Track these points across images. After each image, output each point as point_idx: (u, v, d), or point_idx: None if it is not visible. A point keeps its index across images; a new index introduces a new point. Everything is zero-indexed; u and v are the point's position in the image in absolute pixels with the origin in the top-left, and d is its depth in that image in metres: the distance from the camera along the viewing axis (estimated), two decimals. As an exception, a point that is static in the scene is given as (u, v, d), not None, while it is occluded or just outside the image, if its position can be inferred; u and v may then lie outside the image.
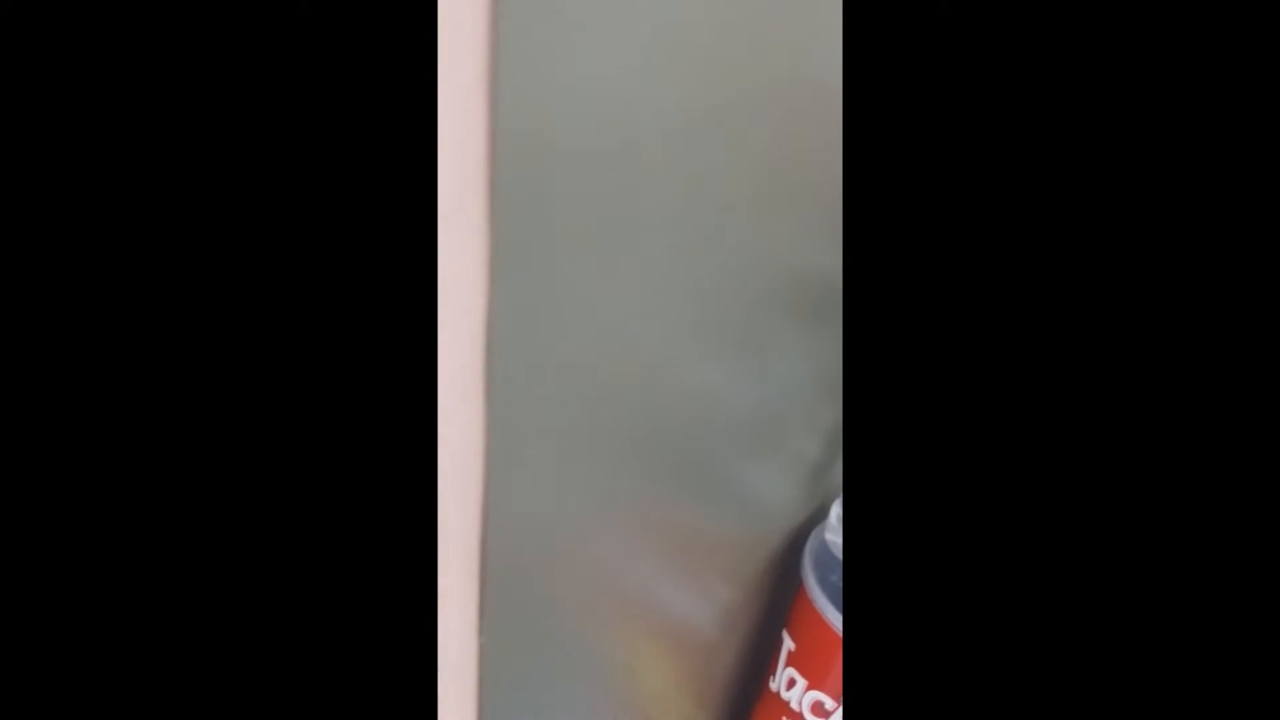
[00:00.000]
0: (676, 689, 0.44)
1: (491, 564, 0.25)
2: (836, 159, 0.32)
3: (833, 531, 0.43)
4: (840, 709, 0.43)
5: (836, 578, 0.46)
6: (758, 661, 0.50)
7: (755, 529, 0.43)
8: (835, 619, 0.41)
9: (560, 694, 0.34)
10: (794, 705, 0.45)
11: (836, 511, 0.43)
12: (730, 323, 0.31)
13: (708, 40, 0.23)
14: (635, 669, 0.40)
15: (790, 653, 0.45)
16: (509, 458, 0.23)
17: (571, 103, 0.20)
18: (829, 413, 0.42)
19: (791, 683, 0.45)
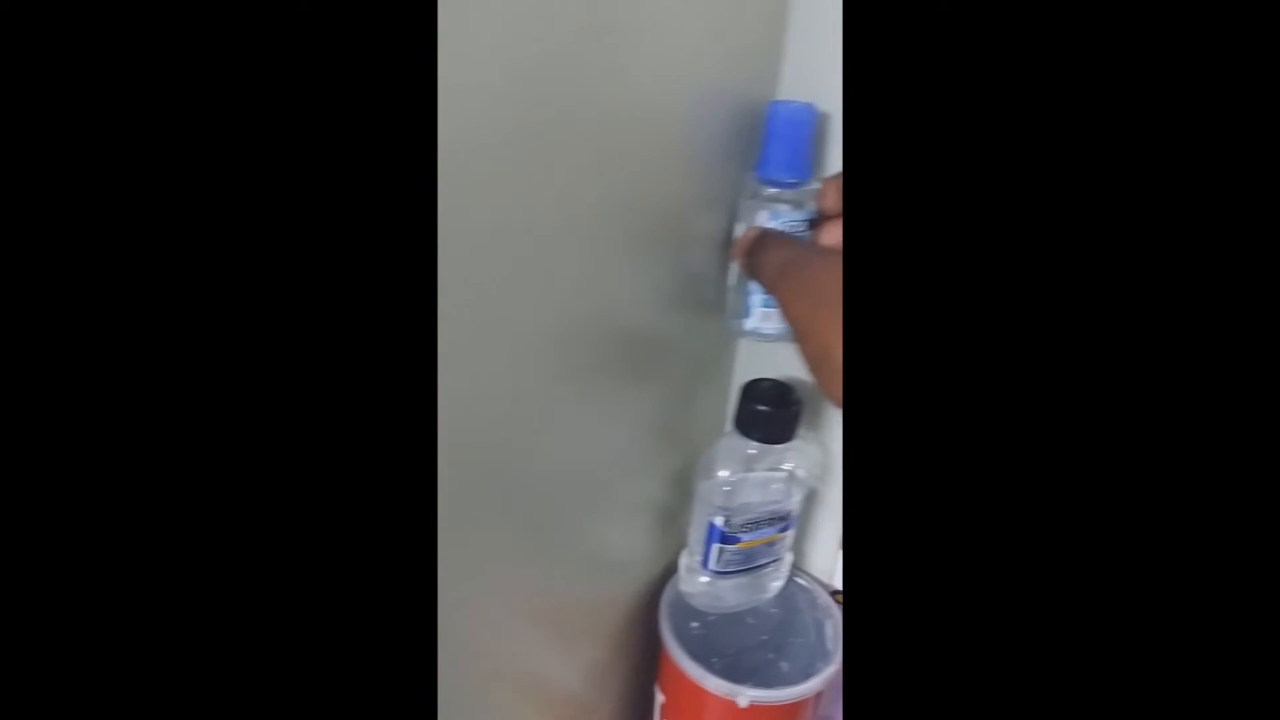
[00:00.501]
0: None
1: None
2: (663, 212, 0.34)
3: (684, 582, 0.44)
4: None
5: (695, 625, 0.47)
6: (635, 718, 0.50)
7: (613, 586, 0.44)
8: (693, 669, 0.42)
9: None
10: (670, 755, 0.45)
11: (685, 561, 0.44)
12: (568, 381, 0.32)
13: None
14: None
15: (662, 706, 0.46)
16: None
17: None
18: (668, 461, 0.43)
19: (665, 734, 0.45)
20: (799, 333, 0.28)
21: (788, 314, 0.29)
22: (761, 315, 0.36)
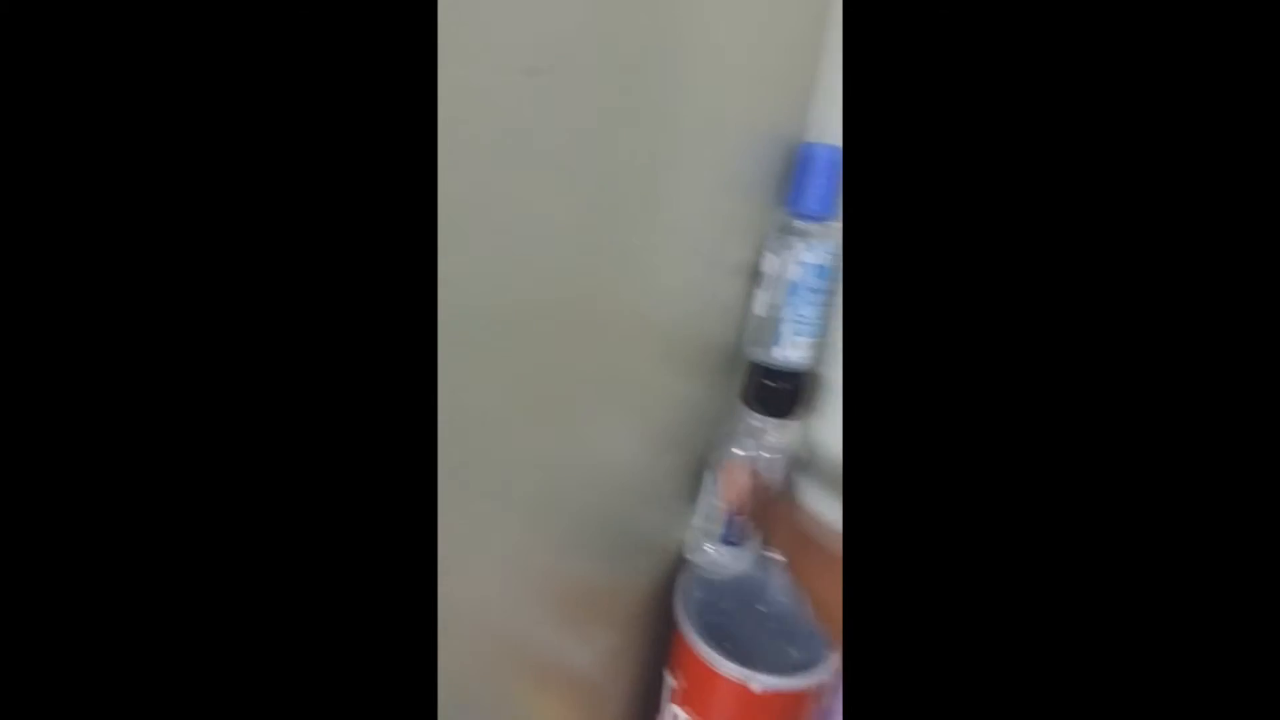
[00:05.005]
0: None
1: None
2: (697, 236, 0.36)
3: (695, 553, 0.45)
4: (723, 741, 0.44)
5: (708, 611, 0.48)
6: (646, 703, 0.51)
7: (631, 570, 0.45)
8: (708, 654, 0.43)
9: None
10: (682, 743, 0.45)
11: (696, 533, 0.45)
12: (592, 368, 0.34)
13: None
14: (528, 721, 0.40)
15: (674, 690, 0.46)
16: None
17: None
18: (685, 445, 0.44)
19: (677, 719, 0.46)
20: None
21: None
22: (791, 344, 0.39)
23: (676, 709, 0.46)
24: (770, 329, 0.39)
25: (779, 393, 0.39)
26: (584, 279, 0.30)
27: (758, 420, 0.40)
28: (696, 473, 0.45)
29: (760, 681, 0.42)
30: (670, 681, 0.47)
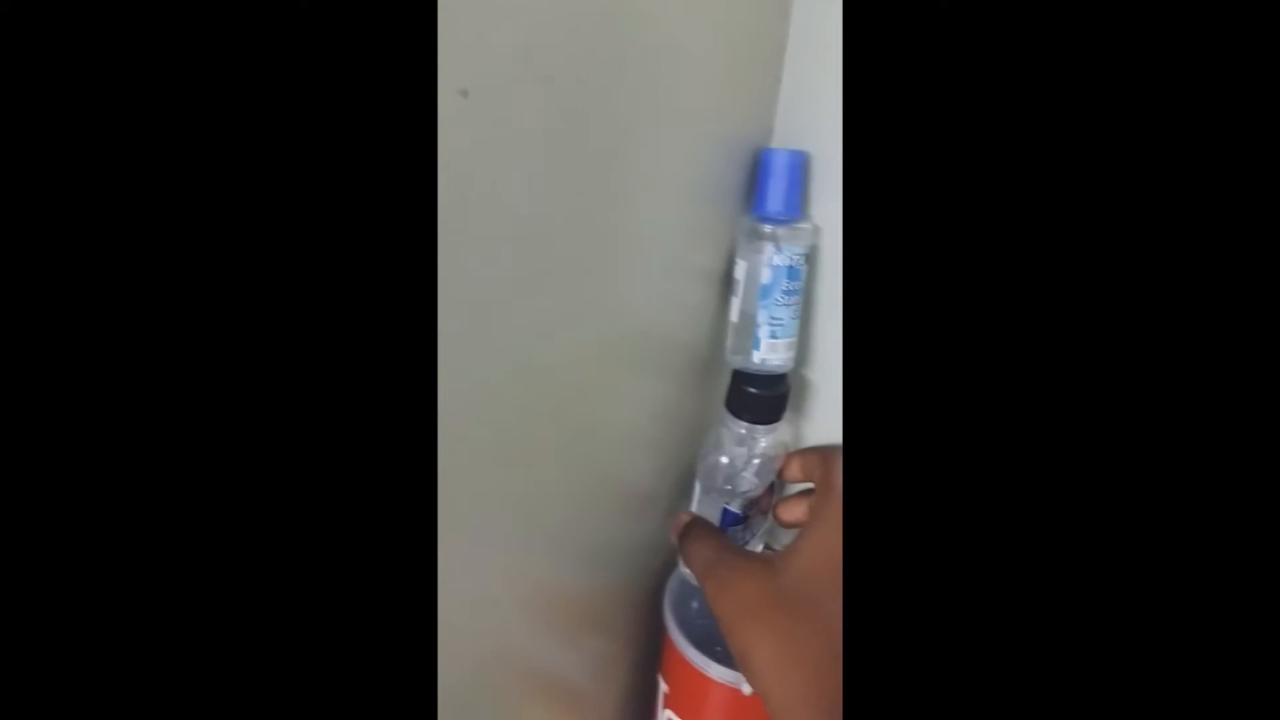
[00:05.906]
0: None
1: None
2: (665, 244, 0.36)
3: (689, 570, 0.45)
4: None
5: (698, 615, 0.48)
6: (639, 708, 0.51)
7: (617, 577, 0.45)
8: (696, 657, 0.43)
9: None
10: (675, 746, 0.46)
11: None
12: (572, 373, 0.34)
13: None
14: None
15: (665, 695, 0.46)
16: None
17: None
18: (668, 449, 0.44)
19: (669, 724, 0.46)
20: (724, 629, 0.32)
21: (713, 609, 0.33)
22: (769, 347, 0.39)
23: (669, 713, 0.46)
24: (747, 334, 0.39)
25: (762, 399, 0.39)
26: (551, 284, 0.30)
27: (744, 427, 0.40)
28: (685, 479, 0.45)
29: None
30: (662, 686, 0.47)
